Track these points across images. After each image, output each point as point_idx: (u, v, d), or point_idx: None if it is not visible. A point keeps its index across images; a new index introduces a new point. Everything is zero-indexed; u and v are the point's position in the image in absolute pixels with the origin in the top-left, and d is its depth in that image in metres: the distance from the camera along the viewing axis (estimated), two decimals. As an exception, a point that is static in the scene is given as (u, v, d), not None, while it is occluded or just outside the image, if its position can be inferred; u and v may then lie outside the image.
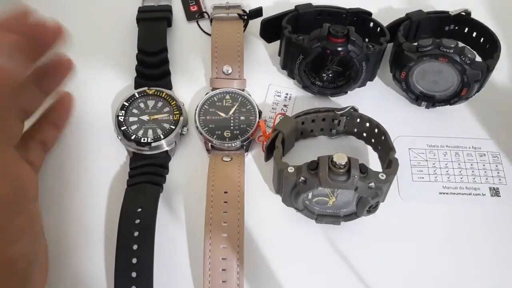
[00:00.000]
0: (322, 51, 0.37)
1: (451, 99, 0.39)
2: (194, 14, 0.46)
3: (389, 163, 0.33)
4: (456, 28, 0.43)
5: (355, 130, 0.38)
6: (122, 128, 0.37)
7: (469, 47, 0.36)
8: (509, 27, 0.41)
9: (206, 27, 0.46)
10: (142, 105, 0.39)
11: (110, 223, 0.35)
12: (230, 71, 0.41)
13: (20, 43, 0.26)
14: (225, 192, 0.34)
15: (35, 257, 0.27)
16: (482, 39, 0.42)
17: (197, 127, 0.38)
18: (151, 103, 0.39)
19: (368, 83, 0.41)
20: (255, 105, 0.40)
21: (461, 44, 0.37)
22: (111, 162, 0.38)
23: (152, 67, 0.41)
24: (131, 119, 0.38)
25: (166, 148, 0.38)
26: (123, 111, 0.38)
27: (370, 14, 0.42)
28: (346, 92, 0.40)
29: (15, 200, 0.25)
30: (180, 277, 0.33)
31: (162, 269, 0.33)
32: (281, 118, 0.37)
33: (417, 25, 0.42)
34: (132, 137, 0.37)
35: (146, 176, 0.36)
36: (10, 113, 0.26)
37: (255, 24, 0.43)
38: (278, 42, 0.41)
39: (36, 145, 0.33)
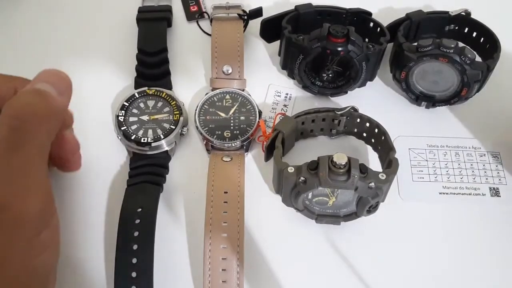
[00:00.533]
0: (322, 51, 0.37)
1: (451, 99, 0.39)
2: (194, 14, 0.46)
3: (389, 163, 0.33)
4: (456, 28, 0.43)
5: (355, 130, 0.38)
6: (122, 128, 0.37)
7: (469, 47, 0.36)
8: (509, 27, 0.41)
9: (206, 27, 0.46)
10: (142, 105, 0.39)
11: (110, 223, 0.35)
12: (230, 71, 0.41)
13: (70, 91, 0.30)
14: (225, 192, 0.34)
15: (55, 266, 0.28)
16: (482, 39, 0.42)
17: (197, 127, 0.38)
18: (151, 103, 0.39)
19: (368, 83, 0.41)
20: (255, 105, 0.40)
21: (461, 44, 0.37)
22: (111, 162, 0.38)
23: (152, 67, 0.41)
24: (131, 119, 0.38)
25: (166, 148, 0.37)
26: (123, 111, 0.38)
27: (370, 14, 0.42)
28: (346, 92, 0.40)
29: (46, 214, 0.26)
30: (180, 277, 0.33)
31: (162, 269, 0.33)
32: (281, 118, 0.37)
33: (417, 25, 0.42)
34: (132, 137, 0.37)
35: (146, 176, 0.36)
36: (53, 136, 0.28)
37: (255, 24, 0.43)
38: (278, 42, 0.41)
39: None
